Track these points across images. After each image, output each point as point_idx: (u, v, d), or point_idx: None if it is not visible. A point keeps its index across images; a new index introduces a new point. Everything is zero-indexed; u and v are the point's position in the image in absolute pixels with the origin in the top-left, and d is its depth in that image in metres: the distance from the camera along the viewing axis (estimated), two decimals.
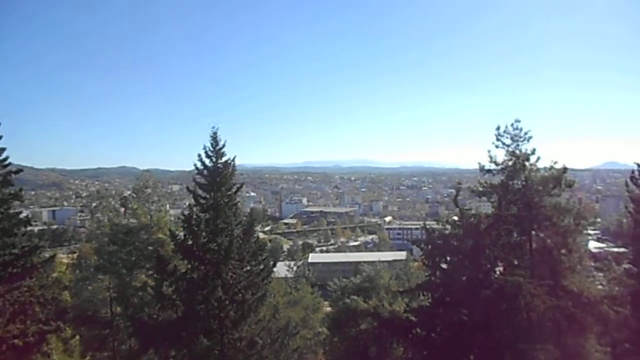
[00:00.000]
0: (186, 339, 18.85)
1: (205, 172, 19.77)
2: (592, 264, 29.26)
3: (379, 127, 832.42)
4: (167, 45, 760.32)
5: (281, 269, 46.66)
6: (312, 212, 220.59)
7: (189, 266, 19.43)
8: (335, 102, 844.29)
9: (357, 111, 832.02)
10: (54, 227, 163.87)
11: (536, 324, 19.55)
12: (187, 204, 23.41)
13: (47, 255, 22.90)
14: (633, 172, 20.90)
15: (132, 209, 27.87)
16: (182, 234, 19.76)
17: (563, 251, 22.93)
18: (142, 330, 20.03)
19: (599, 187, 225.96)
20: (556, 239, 22.82)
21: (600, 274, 28.40)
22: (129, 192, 34.49)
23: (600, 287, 25.42)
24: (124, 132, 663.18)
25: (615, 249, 32.73)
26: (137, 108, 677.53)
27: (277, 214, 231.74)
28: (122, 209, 30.39)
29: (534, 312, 19.21)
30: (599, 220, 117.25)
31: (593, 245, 53.55)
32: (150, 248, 24.82)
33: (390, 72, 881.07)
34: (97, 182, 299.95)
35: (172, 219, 34.86)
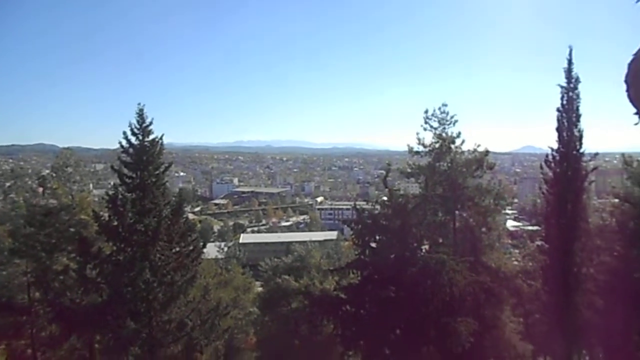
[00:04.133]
0: (112, 323, 18.28)
1: (131, 150, 19.04)
2: (509, 241, 31.28)
3: (311, 107, 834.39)
4: (91, 19, 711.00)
5: (211, 250, 46.15)
6: (244, 193, 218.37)
7: (115, 248, 18.79)
8: (268, 81, 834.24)
9: (290, 92, 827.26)
10: None
11: (457, 298, 20.62)
12: (112, 183, 22.47)
13: None
14: (547, 155, 22.23)
15: (52, 189, 26.31)
16: (106, 214, 18.99)
17: (483, 229, 24.26)
18: (64, 316, 19.28)
19: (517, 170, 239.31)
20: (477, 218, 24.07)
21: (516, 251, 30.44)
22: (47, 171, 32.46)
23: (515, 262, 27.24)
24: (42, 107, 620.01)
25: (530, 227, 35.08)
26: (57, 82, 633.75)
27: (208, 194, 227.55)
28: (40, 189, 28.56)
29: (456, 287, 20.25)
30: (516, 200, 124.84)
31: (510, 224, 56.92)
32: (72, 230, 23.58)
33: (324, 55, 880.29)
34: (10, 160, 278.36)
35: (96, 199, 33.22)
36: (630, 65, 1.86)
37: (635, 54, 1.79)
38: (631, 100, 1.90)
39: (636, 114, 1.89)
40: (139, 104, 19.22)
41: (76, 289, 20.27)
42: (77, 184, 28.57)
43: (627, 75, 1.90)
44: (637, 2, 1.73)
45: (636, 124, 1.89)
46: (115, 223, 18.46)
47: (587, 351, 27.01)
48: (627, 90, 1.92)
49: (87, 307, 18.99)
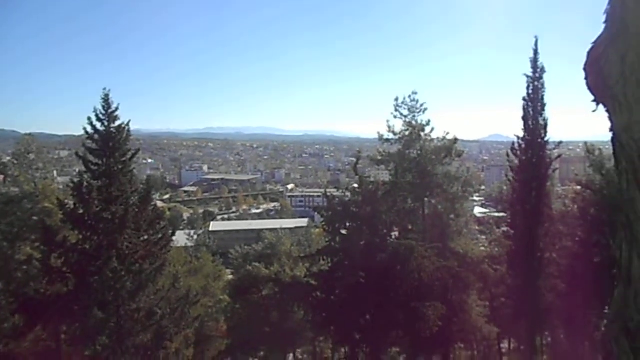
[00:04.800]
0: (78, 313, 17.93)
1: (96, 136, 18.57)
2: (477, 227, 31.88)
3: (282, 94, 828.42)
4: (56, 6, 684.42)
5: (181, 238, 45.60)
6: (214, 180, 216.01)
7: (80, 237, 18.36)
8: (239, 67, 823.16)
9: (260, 78, 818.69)
10: None
11: (426, 283, 21.02)
12: (77, 171, 21.90)
13: None
14: (513, 144, 22.81)
15: (13, 177, 25.48)
16: (71, 202, 18.53)
17: (452, 216, 24.75)
18: (28, 306, 18.80)
19: (485, 158, 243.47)
20: (446, 204, 24.52)
21: (483, 237, 31.07)
22: (8, 158, 31.37)
23: (482, 248, 27.87)
24: (1, 91, 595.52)
25: (496, 214, 35.88)
26: (18, 66, 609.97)
27: (177, 181, 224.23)
28: (1, 177, 27.63)
29: (425, 273, 20.62)
30: (483, 187, 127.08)
31: (478, 210, 57.94)
32: (35, 218, 22.93)
33: (294, 41, 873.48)
34: None
35: (61, 187, 32.38)
36: (589, 53, 1.89)
37: (595, 42, 1.83)
38: (590, 88, 1.94)
39: (594, 101, 1.93)
40: (105, 89, 18.72)
41: (40, 278, 19.77)
42: (40, 171, 27.70)
43: (586, 64, 1.94)
44: None
45: (594, 111, 1.94)
46: (81, 211, 18.00)
47: (549, 333, 27.99)
48: (586, 78, 1.95)
49: (52, 297, 18.54)
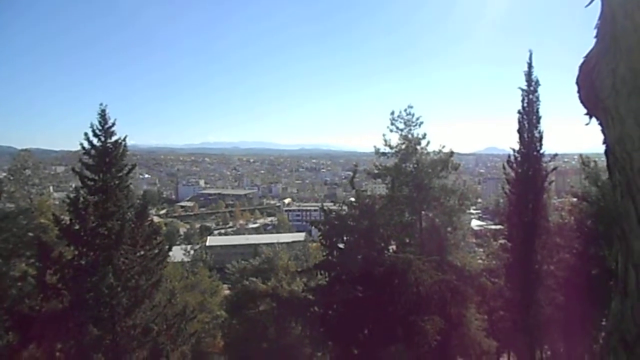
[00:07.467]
0: (74, 330, 17.77)
1: (93, 152, 18.61)
2: (474, 240, 31.85)
3: (278, 108, 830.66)
4: (52, 21, 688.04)
5: (177, 253, 45.35)
6: (210, 195, 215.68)
7: (76, 252, 18.27)
8: (234, 82, 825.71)
9: (256, 92, 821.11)
10: None
11: (424, 297, 20.92)
12: (73, 186, 21.87)
13: None
14: (509, 156, 22.96)
15: (9, 192, 25.43)
16: (67, 218, 18.48)
17: (449, 229, 24.71)
18: (22, 323, 18.63)
19: (481, 170, 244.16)
20: (443, 217, 24.50)
21: (481, 250, 31.00)
22: (4, 174, 31.33)
23: (480, 261, 27.78)
24: None
25: (493, 226, 35.86)
26: (14, 81, 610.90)
27: (173, 196, 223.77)
28: None
29: (422, 286, 20.54)
30: (480, 200, 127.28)
31: (475, 223, 57.92)
32: (30, 234, 22.86)
33: (290, 55, 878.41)
34: None
35: (57, 202, 32.28)
36: (581, 67, 1.92)
37: (586, 56, 1.86)
38: (582, 102, 1.97)
39: (587, 114, 1.96)
40: (101, 104, 18.84)
41: (35, 295, 19.63)
42: (36, 187, 27.70)
43: (578, 77, 1.97)
44: (587, 6, 1.81)
45: (587, 124, 1.97)
46: (77, 227, 17.97)
47: (549, 346, 27.84)
48: (579, 92, 1.99)
49: (47, 314, 18.40)
